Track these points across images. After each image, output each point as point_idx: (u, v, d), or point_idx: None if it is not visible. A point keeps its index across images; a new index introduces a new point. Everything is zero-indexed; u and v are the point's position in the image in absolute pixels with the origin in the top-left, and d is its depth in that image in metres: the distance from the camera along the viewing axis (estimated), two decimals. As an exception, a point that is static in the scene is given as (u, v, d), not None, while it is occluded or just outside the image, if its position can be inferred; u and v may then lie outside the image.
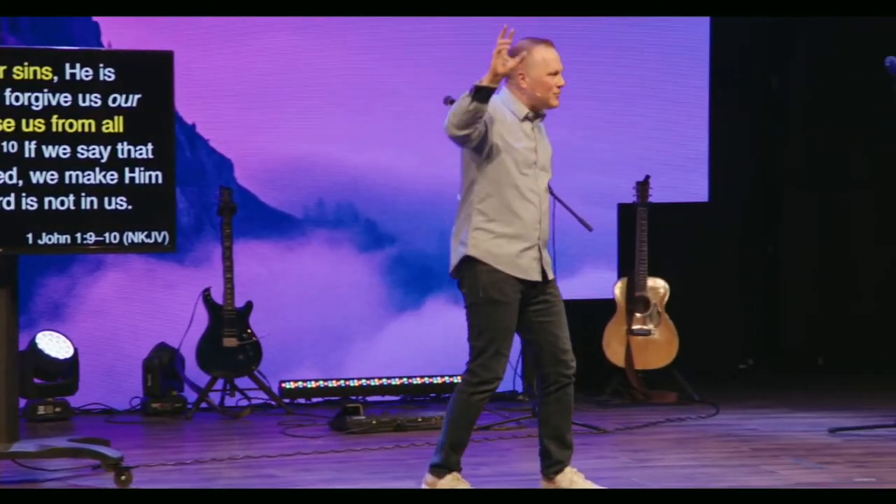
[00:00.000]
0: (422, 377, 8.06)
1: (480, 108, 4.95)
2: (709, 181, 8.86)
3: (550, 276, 5.28)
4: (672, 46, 8.70)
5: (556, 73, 5.23)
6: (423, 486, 5.28)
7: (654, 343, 7.97)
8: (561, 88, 5.25)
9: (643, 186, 8.00)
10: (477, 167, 5.18)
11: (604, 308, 8.05)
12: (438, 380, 8.08)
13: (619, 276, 8.31)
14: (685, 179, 8.77)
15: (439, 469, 5.26)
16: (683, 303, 8.18)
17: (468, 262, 5.17)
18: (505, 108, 5.21)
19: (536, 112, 5.28)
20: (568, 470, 5.34)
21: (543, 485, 5.40)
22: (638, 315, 7.96)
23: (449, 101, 6.77)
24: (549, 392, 5.33)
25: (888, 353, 8.92)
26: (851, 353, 9.15)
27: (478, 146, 5.11)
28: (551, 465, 5.37)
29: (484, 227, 5.16)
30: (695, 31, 8.73)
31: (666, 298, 8.00)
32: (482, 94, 4.94)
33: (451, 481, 5.25)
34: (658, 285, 8.01)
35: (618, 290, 8.01)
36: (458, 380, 7.96)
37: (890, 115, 6.59)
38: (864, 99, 8.87)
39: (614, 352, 7.94)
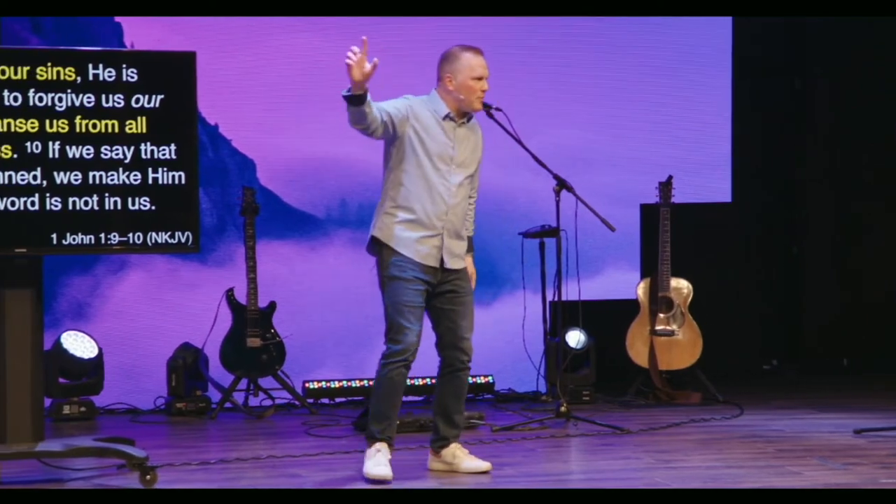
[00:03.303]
0: (445, 377, 8.04)
1: (360, 111, 5.41)
2: (732, 181, 8.83)
3: (452, 265, 5.68)
4: (694, 46, 8.68)
5: (480, 79, 5.67)
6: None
7: (677, 343, 7.95)
8: (484, 93, 5.68)
9: (666, 187, 7.97)
10: (392, 158, 5.64)
11: (627, 308, 8.03)
12: (461, 380, 8.06)
13: (642, 276, 8.29)
14: (708, 179, 8.75)
15: (368, 439, 5.71)
16: (707, 303, 8.16)
17: (375, 242, 5.67)
18: (425, 106, 5.66)
19: (461, 113, 5.70)
20: (453, 446, 5.81)
21: (430, 458, 5.88)
22: (661, 315, 7.94)
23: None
24: (444, 374, 5.79)
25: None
26: (876, 354, 9.11)
27: (389, 139, 5.62)
28: (437, 441, 5.84)
29: (390, 212, 5.64)
30: (717, 30, 8.70)
31: (689, 299, 7.98)
32: (353, 101, 5.40)
33: (373, 452, 5.65)
34: (681, 286, 7.98)
35: (641, 290, 7.99)
36: (481, 380, 8.10)
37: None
38: (887, 98, 8.83)
39: (638, 352, 7.92)
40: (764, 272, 9.20)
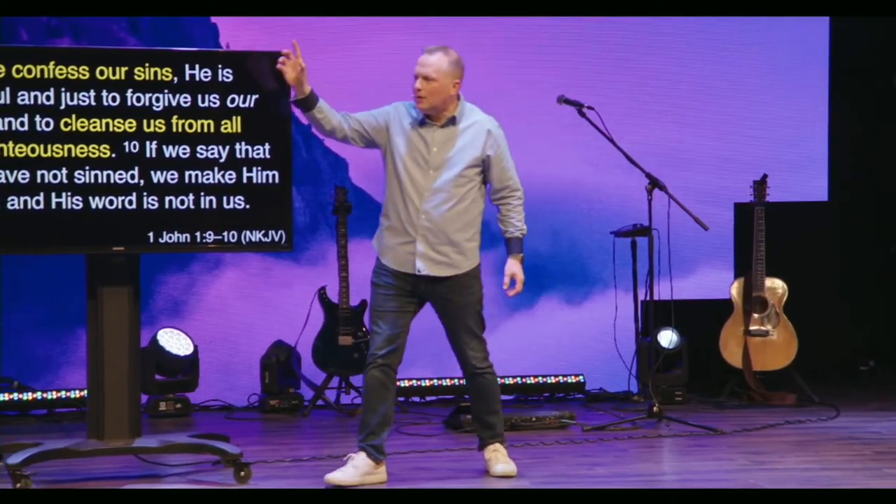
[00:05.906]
0: (535, 377, 8.04)
1: (310, 117, 5.60)
2: (828, 180, 8.72)
3: (434, 272, 5.60)
4: (791, 44, 8.58)
5: (415, 77, 5.56)
6: None
7: (772, 344, 7.86)
8: (417, 91, 5.54)
9: (760, 185, 7.89)
10: (383, 165, 5.70)
11: (720, 308, 7.97)
12: (552, 379, 8.06)
13: (736, 276, 8.21)
14: (804, 178, 8.65)
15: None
16: (802, 303, 8.06)
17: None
18: (406, 112, 5.64)
19: (440, 115, 5.59)
20: (489, 447, 5.78)
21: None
22: (755, 315, 7.86)
23: (562, 99, 6.76)
24: (466, 379, 5.81)
25: None
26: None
27: (379, 147, 5.67)
28: (480, 440, 5.83)
29: (381, 219, 5.72)
30: (814, 28, 8.60)
31: (784, 299, 7.89)
32: (299, 105, 5.58)
33: (355, 460, 5.59)
34: (776, 286, 7.90)
35: (734, 290, 7.91)
36: (571, 379, 8.09)
37: None
38: None
39: (731, 353, 7.85)
40: (860, 271, 9.06)
